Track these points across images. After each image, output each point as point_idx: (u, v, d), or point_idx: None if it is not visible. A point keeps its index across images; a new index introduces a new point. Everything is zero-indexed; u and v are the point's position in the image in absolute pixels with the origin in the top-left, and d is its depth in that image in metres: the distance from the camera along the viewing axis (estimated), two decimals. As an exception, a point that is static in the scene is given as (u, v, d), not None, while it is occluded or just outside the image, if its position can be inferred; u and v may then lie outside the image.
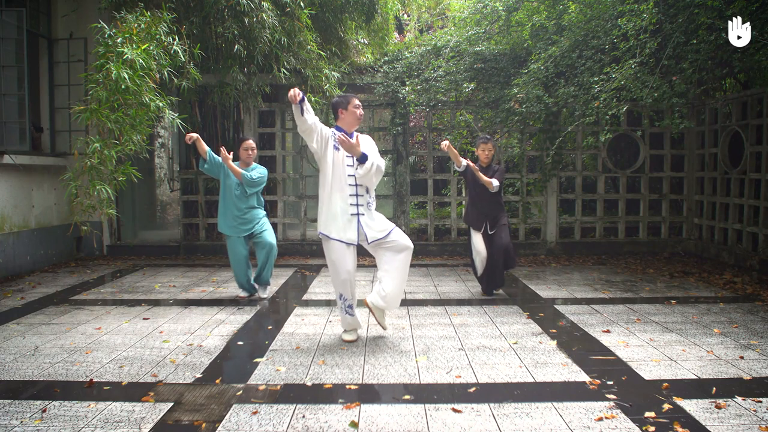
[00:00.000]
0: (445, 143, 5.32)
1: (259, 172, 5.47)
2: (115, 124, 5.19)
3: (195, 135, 5.13)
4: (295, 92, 3.83)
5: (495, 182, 5.41)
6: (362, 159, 4.05)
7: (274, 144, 8.88)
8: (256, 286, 5.70)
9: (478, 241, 5.56)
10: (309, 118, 3.93)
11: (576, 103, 7.05)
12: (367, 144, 4.20)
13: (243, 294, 5.66)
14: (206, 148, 5.30)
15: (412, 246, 4.22)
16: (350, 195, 4.07)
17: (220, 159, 5.36)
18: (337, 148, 4.08)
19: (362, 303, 4.41)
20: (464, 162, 5.53)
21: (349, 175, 4.08)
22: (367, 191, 4.16)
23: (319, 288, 6.18)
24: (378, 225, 4.15)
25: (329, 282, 6.03)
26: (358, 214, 4.08)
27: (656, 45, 6.13)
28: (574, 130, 7.81)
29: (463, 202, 9.39)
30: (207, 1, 6.60)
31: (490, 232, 5.55)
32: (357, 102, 4.21)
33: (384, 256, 4.19)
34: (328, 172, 4.07)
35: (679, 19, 6.12)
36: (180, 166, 9.19)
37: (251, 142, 5.52)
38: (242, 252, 5.46)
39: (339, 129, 4.18)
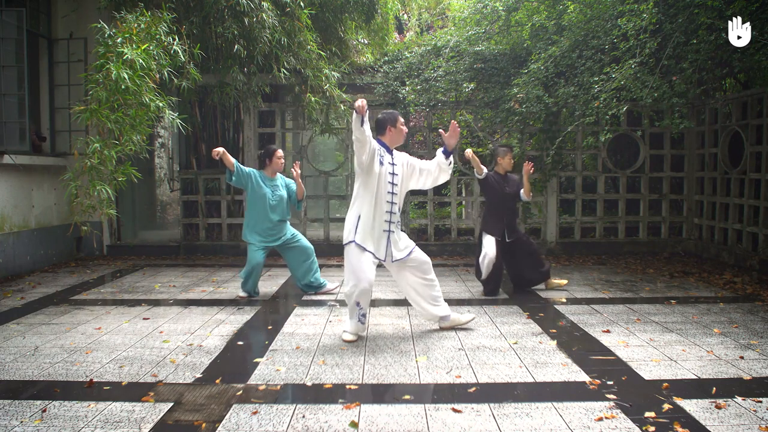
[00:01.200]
0: (469, 151, 5.35)
1: (285, 182, 5.74)
2: (115, 124, 5.19)
3: (221, 149, 5.20)
4: (363, 103, 3.84)
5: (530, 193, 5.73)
6: (450, 152, 4.35)
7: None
8: (316, 292, 5.83)
9: (490, 243, 5.57)
10: (367, 129, 3.95)
11: (576, 103, 7.05)
12: (404, 157, 4.35)
13: (243, 294, 5.67)
14: (233, 160, 5.38)
15: (429, 260, 4.36)
16: (386, 212, 4.15)
17: (247, 170, 5.47)
18: (381, 163, 4.13)
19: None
20: (485, 170, 5.61)
21: (388, 192, 4.15)
22: (398, 209, 4.25)
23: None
24: (401, 244, 4.24)
25: (330, 282, 6.02)
26: (389, 231, 4.16)
27: (656, 45, 6.13)
28: (574, 130, 7.81)
29: (463, 202, 9.41)
30: (207, 1, 6.59)
31: (507, 240, 5.63)
32: (402, 120, 4.31)
33: (408, 278, 4.32)
34: (373, 186, 4.10)
35: (679, 19, 6.12)
36: (180, 166, 9.20)
37: (282, 152, 5.69)
38: (261, 261, 5.52)
39: (382, 144, 4.23)
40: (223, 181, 8.49)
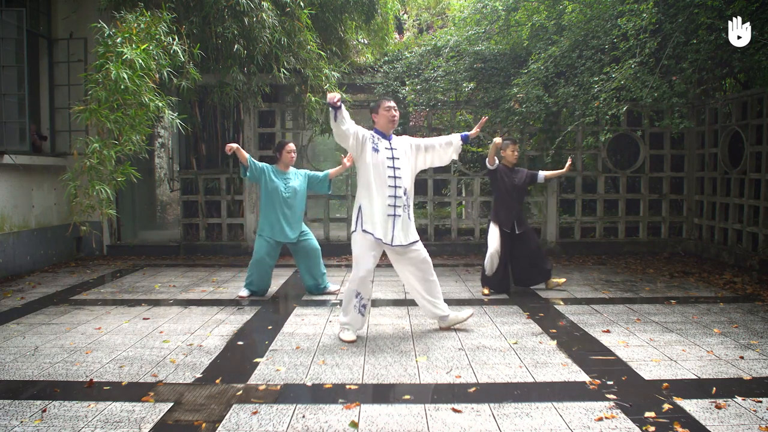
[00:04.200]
0: (498, 140, 5.38)
1: (303, 173, 5.70)
2: (114, 124, 5.19)
3: (235, 145, 5.21)
4: (333, 94, 3.90)
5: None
6: (469, 140, 4.52)
7: (274, 144, 8.87)
8: (322, 293, 5.81)
9: (494, 237, 5.66)
10: (343, 125, 4.03)
11: (576, 103, 7.05)
12: (406, 140, 4.39)
13: (243, 294, 5.67)
14: (246, 155, 5.39)
15: (430, 260, 4.37)
16: (389, 196, 4.17)
17: (260, 165, 5.48)
18: (376, 150, 4.17)
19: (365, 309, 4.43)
20: (497, 161, 5.68)
21: (389, 177, 4.18)
22: (405, 193, 4.24)
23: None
24: (408, 231, 4.26)
25: (331, 281, 6.02)
26: (394, 215, 4.18)
27: (656, 45, 6.13)
28: (574, 130, 7.80)
29: (463, 202, 9.40)
30: (207, 1, 6.59)
31: (518, 232, 5.71)
32: (388, 104, 4.31)
33: (408, 272, 4.33)
34: (368, 173, 4.17)
35: (679, 19, 6.12)
36: (180, 166, 9.20)
37: (293, 145, 5.66)
38: (265, 255, 5.50)
39: (377, 132, 4.28)
40: (223, 181, 8.49)
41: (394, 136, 4.36)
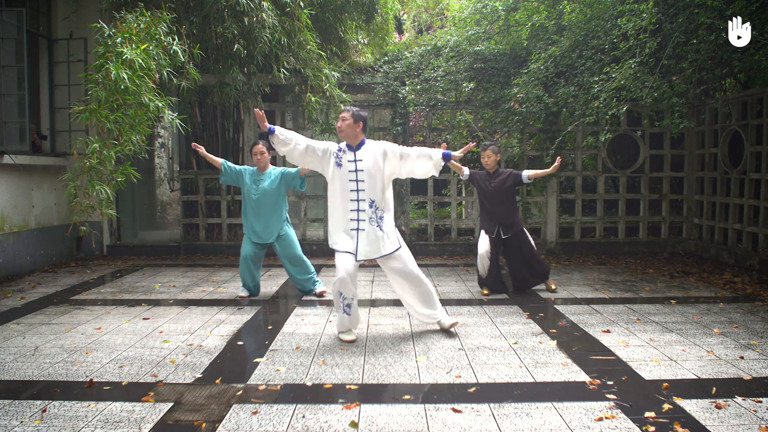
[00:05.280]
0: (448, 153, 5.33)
1: (278, 171, 5.45)
2: (114, 125, 5.20)
3: (201, 149, 5.25)
4: (261, 119, 4.00)
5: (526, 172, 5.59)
6: (449, 159, 4.24)
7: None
8: (312, 293, 5.77)
9: (482, 241, 5.64)
10: (283, 146, 4.15)
11: (576, 103, 7.05)
12: (378, 148, 4.21)
13: (243, 294, 5.66)
14: (220, 160, 5.39)
15: (416, 271, 4.27)
16: (351, 210, 4.14)
17: (238, 168, 5.46)
18: (339, 165, 4.16)
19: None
20: (467, 170, 5.66)
21: (351, 190, 4.14)
22: (371, 205, 4.12)
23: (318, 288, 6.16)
24: (379, 243, 4.14)
25: (328, 282, 6.04)
26: (358, 229, 4.15)
27: (656, 45, 6.13)
28: (574, 130, 7.81)
29: (463, 202, 9.40)
30: (207, 1, 6.60)
31: (503, 236, 5.63)
32: (340, 114, 4.27)
33: (394, 281, 4.36)
34: (331, 188, 4.24)
35: (679, 19, 6.13)
36: (180, 166, 9.20)
37: (260, 146, 5.42)
38: (248, 254, 5.46)
39: (347, 144, 4.24)
40: (223, 181, 8.50)
41: (367, 142, 4.21)
